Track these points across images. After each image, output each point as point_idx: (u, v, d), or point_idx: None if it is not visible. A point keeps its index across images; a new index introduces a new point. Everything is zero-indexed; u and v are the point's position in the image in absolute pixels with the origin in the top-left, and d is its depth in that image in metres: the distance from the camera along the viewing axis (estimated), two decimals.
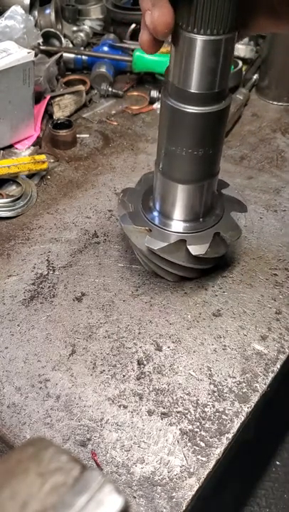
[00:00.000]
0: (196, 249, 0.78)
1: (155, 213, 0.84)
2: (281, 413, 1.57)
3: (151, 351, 0.77)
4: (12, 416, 0.70)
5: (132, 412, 0.70)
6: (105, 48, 1.45)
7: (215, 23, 0.62)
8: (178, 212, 0.82)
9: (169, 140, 0.74)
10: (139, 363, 0.76)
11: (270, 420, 1.50)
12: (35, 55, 1.21)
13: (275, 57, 1.34)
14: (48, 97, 1.25)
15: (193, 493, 0.62)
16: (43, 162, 1.08)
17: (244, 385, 0.73)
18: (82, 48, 1.51)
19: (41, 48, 1.36)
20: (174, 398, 0.72)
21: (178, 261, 0.80)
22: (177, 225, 0.83)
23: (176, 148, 0.74)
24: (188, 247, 0.78)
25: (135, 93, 1.42)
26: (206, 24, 0.62)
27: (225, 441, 0.67)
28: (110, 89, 1.37)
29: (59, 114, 1.26)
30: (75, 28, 1.56)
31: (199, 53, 0.65)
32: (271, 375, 0.75)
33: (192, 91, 0.69)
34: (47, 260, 0.92)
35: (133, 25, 1.49)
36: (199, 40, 0.64)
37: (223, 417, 0.70)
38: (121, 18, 1.49)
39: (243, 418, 0.70)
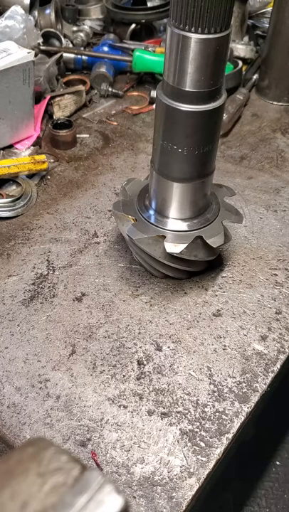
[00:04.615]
0: (171, 247, 0.79)
1: (147, 206, 0.85)
2: (281, 413, 1.57)
3: (151, 351, 0.77)
4: (12, 416, 0.70)
5: (132, 412, 0.70)
6: (105, 48, 1.45)
7: (209, 21, 0.62)
8: (167, 209, 0.82)
9: (164, 138, 0.75)
10: (139, 363, 0.76)
11: (270, 420, 1.50)
12: (35, 55, 1.21)
13: (275, 57, 1.34)
14: (48, 97, 1.25)
15: (193, 493, 0.62)
16: (43, 162, 1.08)
17: (244, 385, 0.73)
18: (82, 48, 1.51)
19: (41, 47, 1.36)
20: (174, 398, 0.71)
21: (154, 255, 0.80)
22: (163, 221, 0.83)
23: (170, 146, 0.74)
24: (164, 243, 0.78)
25: (135, 93, 1.42)
26: (200, 23, 0.63)
27: (225, 441, 0.67)
28: (110, 89, 1.37)
29: (59, 114, 1.26)
30: (75, 28, 1.56)
31: (193, 52, 0.65)
32: (271, 375, 0.75)
33: (187, 89, 0.69)
34: (47, 260, 0.92)
35: (133, 25, 1.49)
36: (193, 38, 0.64)
37: (223, 417, 0.70)
38: (121, 18, 1.49)
39: (243, 418, 0.70)
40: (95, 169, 1.14)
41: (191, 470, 0.64)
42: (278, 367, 0.76)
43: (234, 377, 0.74)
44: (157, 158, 0.78)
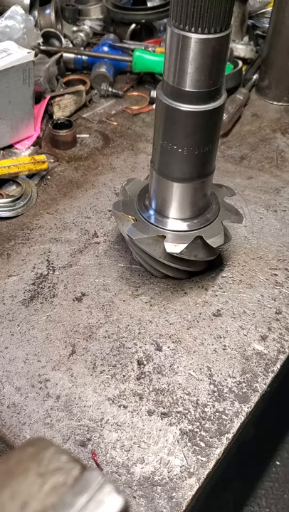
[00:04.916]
0: (171, 247, 0.79)
1: (147, 206, 0.85)
2: (281, 413, 1.57)
3: (151, 351, 0.77)
4: (12, 416, 0.70)
5: (132, 412, 0.70)
6: (105, 48, 1.45)
7: (209, 21, 0.62)
8: (167, 209, 0.82)
9: (164, 138, 0.75)
10: (139, 363, 0.76)
11: (270, 420, 1.50)
12: (35, 55, 1.21)
13: (275, 57, 1.34)
14: (48, 97, 1.25)
15: (193, 493, 0.62)
16: (43, 162, 1.08)
17: (244, 385, 0.73)
18: (82, 48, 1.51)
19: (41, 47, 1.36)
20: (174, 398, 0.71)
21: (154, 255, 0.80)
22: (163, 221, 0.83)
23: (170, 146, 0.74)
24: (164, 243, 0.78)
25: (135, 93, 1.42)
26: (200, 23, 0.63)
27: (225, 441, 0.67)
28: (110, 89, 1.37)
29: (59, 114, 1.26)
30: (75, 28, 1.56)
31: (193, 52, 0.65)
32: (271, 375, 0.75)
33: (187, 89, 0.69)
34: (47, 260, 0.92)
35: (133, 25, 1.49)
36: (193, 38, 0.64)
37: (223, 417, 0.70)
38: (121, 18, 1.49)
39: (243, 418, 0.70)
40: (95, 169, 1.14)
41: (191, 470, 0.64)
42: (278, 367, 0.76)
43: (234, 377, 0.74)
44: (157, 158, 0.78)
